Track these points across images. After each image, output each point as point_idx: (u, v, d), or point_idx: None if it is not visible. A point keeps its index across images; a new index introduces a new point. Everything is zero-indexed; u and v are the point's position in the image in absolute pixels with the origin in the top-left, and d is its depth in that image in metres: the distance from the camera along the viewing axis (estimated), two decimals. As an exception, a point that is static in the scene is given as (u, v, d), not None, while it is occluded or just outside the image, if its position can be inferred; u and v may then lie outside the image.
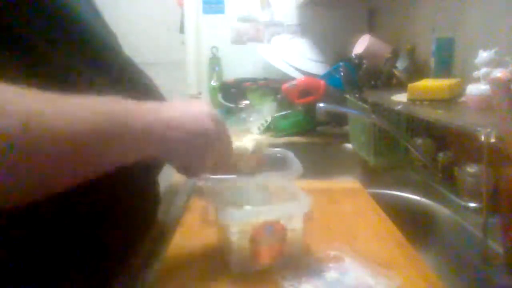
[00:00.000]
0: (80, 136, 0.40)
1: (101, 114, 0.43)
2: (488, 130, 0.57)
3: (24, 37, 0.45)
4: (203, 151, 0.53)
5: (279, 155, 0.78)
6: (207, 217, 0.76)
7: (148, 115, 0.48)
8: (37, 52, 0.46)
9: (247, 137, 0.74)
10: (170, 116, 0.50)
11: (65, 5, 0.50)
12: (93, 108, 0.42)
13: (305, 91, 1.47)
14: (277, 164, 0.76)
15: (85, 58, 0.51)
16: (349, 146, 1.39)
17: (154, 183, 0.70)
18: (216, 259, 0.60)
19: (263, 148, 0.73)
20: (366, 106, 1.12)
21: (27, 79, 0.38)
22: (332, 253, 0.59)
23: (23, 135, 0.35)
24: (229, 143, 0.60)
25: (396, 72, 1.21)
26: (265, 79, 1.81)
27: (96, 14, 0.61)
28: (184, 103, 0.55)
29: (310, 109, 1.46)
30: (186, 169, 0.57)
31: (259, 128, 1.57)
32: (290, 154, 0.76)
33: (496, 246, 0.62)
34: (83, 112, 0.41)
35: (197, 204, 0.81)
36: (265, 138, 0.87)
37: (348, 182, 0.98)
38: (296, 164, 0.71)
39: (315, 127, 1.57)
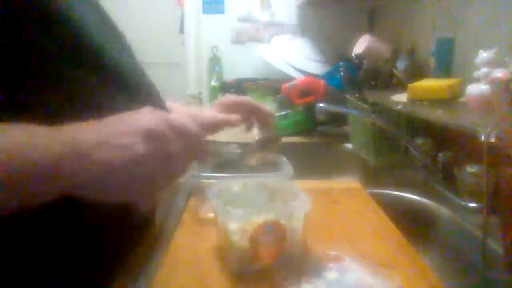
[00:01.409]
0: None
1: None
2: (488, 130, 0.57)
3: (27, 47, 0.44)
4: (138, 182, 0.40)
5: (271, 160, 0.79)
6: (198, 216, 0.76)
7: (59, 146, 0.36)
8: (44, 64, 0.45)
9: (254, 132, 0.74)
10: (86, 148, 0.37)
11: (70, 13, 0.50)
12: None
13: (305, 91, 1.47)
14: (269, 167, 0.77)
15: (91, 66, 0.51)
16: (349, 146, 1.39)
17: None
18: (216, 259, 0.60)
19: (276, 146, 0.73)
20: (366, 106, 1.12)
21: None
22: (332, 253, 0.59)
23: None
24: (197, 143, 0.45)
25: (396, 72, 1.21)
26: (265, 79, 1.81)
27: (104, 17, 0.61)
28: (113, 123, 0.40)
29: (310, 109, 1.46)
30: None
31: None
32: (283, 158, 0.77)
33: (496, 246, 0.62)
34: None
35: (196, 203, 0.81)
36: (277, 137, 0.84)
37: (348, 182, 0.98)
38: (287, 167, 0.72)
39: (315, 127, 1.56)
